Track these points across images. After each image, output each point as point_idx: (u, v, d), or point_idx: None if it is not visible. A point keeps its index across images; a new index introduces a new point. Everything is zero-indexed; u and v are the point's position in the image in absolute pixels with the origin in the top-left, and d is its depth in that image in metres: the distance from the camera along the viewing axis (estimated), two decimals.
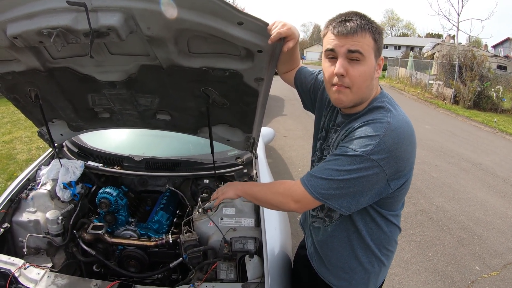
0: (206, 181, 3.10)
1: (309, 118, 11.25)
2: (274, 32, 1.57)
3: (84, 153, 3.28)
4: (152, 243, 2.56)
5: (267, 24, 1.60)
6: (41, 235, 2.51)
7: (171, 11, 1.53)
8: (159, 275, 2.59)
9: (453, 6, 34.69)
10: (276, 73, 2.03)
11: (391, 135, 1.45)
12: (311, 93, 1.99)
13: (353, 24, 1.48)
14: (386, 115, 1.53)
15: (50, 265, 2.40)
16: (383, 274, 1.93)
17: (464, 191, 6.62)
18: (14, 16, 1.59)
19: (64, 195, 2.72)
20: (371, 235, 1.76)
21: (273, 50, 1.73)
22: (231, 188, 1.95)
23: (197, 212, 2.66)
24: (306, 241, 2.17)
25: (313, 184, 1.56)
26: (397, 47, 55.92)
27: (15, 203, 2.65)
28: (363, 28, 1.48)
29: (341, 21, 1.51)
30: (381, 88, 1.70)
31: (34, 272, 2.20)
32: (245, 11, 1.57)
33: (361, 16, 1.52)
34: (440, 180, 7.06)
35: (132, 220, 2.76)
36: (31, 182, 2.87)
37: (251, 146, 2.79)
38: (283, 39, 1.61)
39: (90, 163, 3.10)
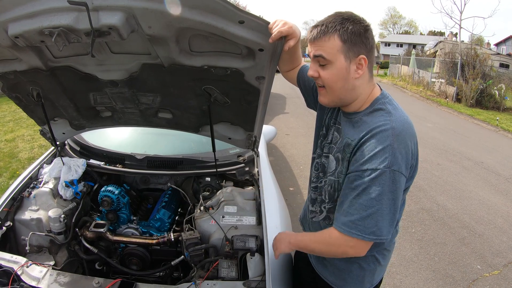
0: (208, 179, 3.11)
1: (311, 116, 11.23)
2: (275, 30, 1.58)
3: (86, 151, 3.29)
4: (154, 241, 2.56)
5: (268, 23, 1.60)
6: (44, 233, 2.52)
7: (175, 8, 1.53)
8: (161, 273, 2.59)
9: (455, 4, 34.73)
10: (277, 71, 2.04)
11: (398, 140, 1.48)
12: (313, 91, 1.99)
13: (318, 29, 1.53)
14: (388, 120, 1.54)
15: (52, 263, 2.41)
16: (380, 272, 1.94)
17: (466, 189, 6.61)
18: (16, 16, 1.59)
19: (66, 193, 2.73)
20: (374, 244, 1.77)
21: (274, 48, 1.73)
22: (282, 243, 1.91)
23: (198, 210, 2.67)
24: None
25: (361, 229, 1.53)
26: (399, 45, 55.80)
27: (18, 201, 2.66)
28: (326, 32, 1.51)
29: (313, 27, 1.58)
30: (381, 89, 1.70)
31: (36, 270, 2.21)
32: (247, 10, 1.58)
33: (334, 19, 1.52)
34: (442, 179, 7.05)
35: (134, 218, 2.77)
36: (34, 180, 2.88)
37: (253, 144, 2.79)
38: (284, 37, 1.62)
39: (92, 161, 3.11)
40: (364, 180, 1.50)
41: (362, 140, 1.54)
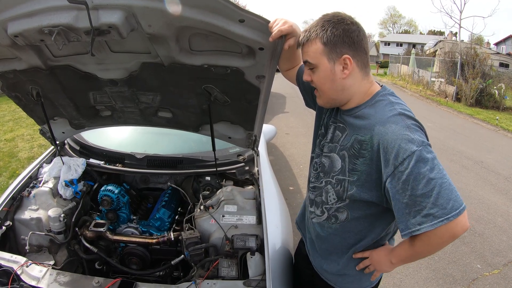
0: (208, 178, 3.11)
1: (311, 115, 11.18)
2: (275, 29, 1.58)
3: (86, 150, 3.28)
4: (154, 241, 2.56)
5: (268, 22, 1.61)
6: (43, 233, 2.52)
7: (174, 8, 1.53)
8: (161, 272, 2.59)
9: (455, 3, 34.53)
10: (278, 71, 2.03)
11: (409, 121, 1.49)
12: (312, 91, 1.98)
13: (303, 35, 1.59)
14: (392, 108, 1.54)
15: (52, 262, 2.41)
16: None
17: (465, 189, 6.61)
18: (15, 15, 1.59)
19: (66, 192, 2.73)
20: (373, 244, 1.80)
21: (274, 47, 1.73)
22: (383, 265, 1.77)
23: (198, 210, 2.67)
24: (304, 237, 2.18)
25: (440, 215, 1.40)
26: (399, 44, 55.83)
27: (17, 201, 2.65)
28: (309, 37, 1.55)
29: (302, 33, 1.63)
30: (380, 85, 1.70)
31: (36, 270, 2.21)
32: (247, 8, 1.58)
33: (317, 23, 1.56)
34: None
35: (134, 217, 2.77)
36: (33, 180, 2.88)
37: (253, 143, 2.79)
38: (284, 36, 1.63)
39: (92, 160, 3.10)
40: (408, 171, 1.41)
41: (378, 135, 1.50)
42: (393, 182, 1.46)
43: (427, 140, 1.48)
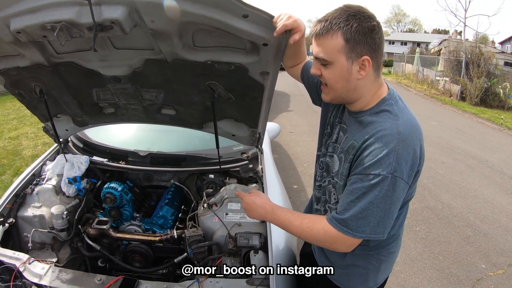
0: (211, 176, 3.09)
1: (315, 113, 11.22)
2: (279, 24, 1.54)
3: (89, 148, 3.28)
4: (157, 238, 2.56)
5: (273, 17, 1.57)
6: (46, 230, 2.52)
7: (174, 12, 1.53)
8: (164, 270, 2.58)
9: (460, 1, 34.34)
10: (282, 68, 2.01)
11: (404, 146, 1.44)
12: (318, 87, 1.96)
13: (321, 25, 1.47)
14: (395, 123, 1.49)
15: (55, 260, 2.41)
16: (384, 271, 1.92)
17: (470, 188, 6.58)
18: (18, 11, 1.59)
19: (69, 190, 2.73)
20: (376, 245, 1.79)
21: (278, 43, 1.71)
22: (256, 209, 1.83)
23: (202, 207, 2.66)
24: None
25: (353, 228, 1.52)
26: (404, 43, 55.57)
27: (20, 198, 2.66)
28: (329, 29, 1.44)
29: (317, 21, 1.51)
30: (388, 88, 1.65)
31: (38, 267, 2.20)
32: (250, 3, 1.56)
33: (339, 15, 1.45)
34: (447, 177, 7.02)
35: (137, 215, 2.77)
36: (36, 177, 2.89)
37: (257, 141, 2.77)
38: (288, 31, 1.59)
39: (95, 158, 3.11)
40: (365, 184, 1.47)
41: (367, 142, 1.50)
42: (352, 180, 1.55)
43: (407, 173, 1.48)
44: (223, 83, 2.16)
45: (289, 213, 1.75)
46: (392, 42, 59.41)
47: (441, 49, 26.29)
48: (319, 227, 1.62)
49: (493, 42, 36.52)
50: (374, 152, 1.46)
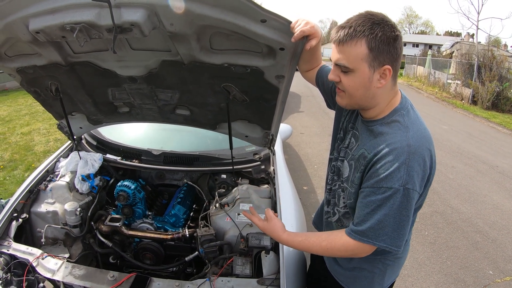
0: (224, 176, 3.12)
1: (326, 115, 11.22)
2: (297, 30, 1.55)
3: (103, 146, 3.32)
4: (169, 237, 2.59)
5: (290, 22, 1.59)
6: (59, 226, 2.56)
7: (178, 5, 1.54)
8: (174, 268, 2.61)
9: (473, 4, 34.37)
10: (296, 70, 2.03)
11: (414, 158, 1.45)
12: (332, 92, 1.96)
13: (345, 31, 1.43)
14: (405, 135, 1.49)
15: (67, 255, 2.44)
16: (390, 275, 1.93)
17: (480, 193, 6.53)
18: (37, 11, 1.61)
19: (83, 187, 2.76)
20: (382, 250, 1.78)
21: (295, 48, 1.72)
22: (273, 233, 1.87)
23: (214, 207, 2.68)
24: None
25: (372, 237, 1.55)
26: (415, 45, 55.15)
27: (34, 194, 2.70)
28: (354, 36, 1.41)
29: (339, 27, 1.48)
30: (401, 96, 1.65)
31: (51, 262, 2.24)
32: (262, 6, 1.57)
33: (364, 22, 1.41)
34: (456, 182, 6.98)
35: (149, 213, 2.80)
36: (50, 173, 2.92)
37: (269, 142, 2.79)
38: (306, 37, 1.60)
39: (108, 156, 3.14)
40: (378, 197, 1.49)
41: (378, 156, 1.51)
42: (364, 193, 1.57)
43: (419, 184, 1.49)
44: (238, 85, 2.18)
45: (304, 239, 1.79)
46: (403, 44, 58.84)
47: (453, 51, 26.01)
48: (339, 244, 1.65)
49: (505, 45, 36.10)
50: (385, 166, 1.48)
